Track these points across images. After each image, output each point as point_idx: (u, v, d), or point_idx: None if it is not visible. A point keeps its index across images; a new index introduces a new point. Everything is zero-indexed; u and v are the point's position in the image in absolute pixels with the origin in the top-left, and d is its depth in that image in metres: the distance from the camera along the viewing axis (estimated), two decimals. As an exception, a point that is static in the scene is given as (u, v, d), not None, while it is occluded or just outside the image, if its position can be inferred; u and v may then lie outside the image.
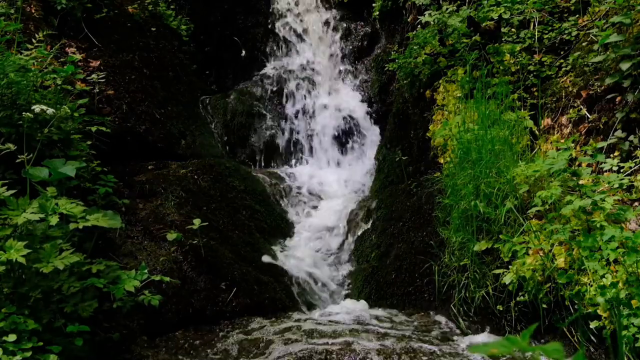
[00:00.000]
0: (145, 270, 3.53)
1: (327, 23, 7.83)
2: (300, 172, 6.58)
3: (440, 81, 5.10)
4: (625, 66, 3.76)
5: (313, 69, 7.43)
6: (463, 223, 4.06)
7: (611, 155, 3.70)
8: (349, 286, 5.14)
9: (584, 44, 4.44)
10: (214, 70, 7.57)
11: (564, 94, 4.35)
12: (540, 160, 3.81)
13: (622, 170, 3.59)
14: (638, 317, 2.90)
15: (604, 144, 3.77)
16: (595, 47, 4.15)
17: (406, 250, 4.72)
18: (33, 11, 5.24)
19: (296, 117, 7.02)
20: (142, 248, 4.35)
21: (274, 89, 7.17)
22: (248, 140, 6.82)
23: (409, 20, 6.58)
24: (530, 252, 3.59)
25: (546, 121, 4.39)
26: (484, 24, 4.95)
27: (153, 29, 6.43)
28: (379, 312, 4.47)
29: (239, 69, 7.62)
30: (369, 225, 5.35)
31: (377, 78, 7.18)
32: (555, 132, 4.28)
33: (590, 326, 3.14)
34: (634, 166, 3.58)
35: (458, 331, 4.01)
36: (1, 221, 3.13)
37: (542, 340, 3.56)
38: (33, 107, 3.52)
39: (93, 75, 5.10)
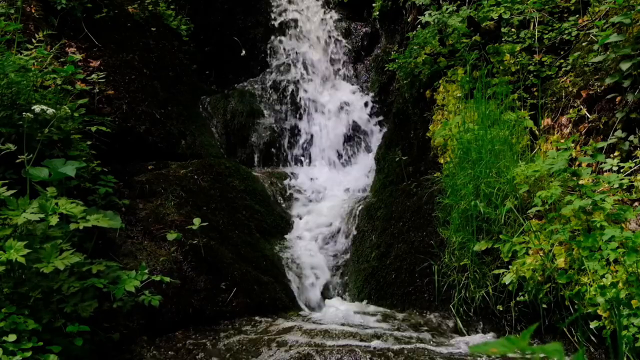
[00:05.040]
0: (146, 271, 3.53)
1: (327, 23, 7.84)
2: (300, 171, 6.58)
3: (440, 81, 5.10)
4: (625, 66, 3.76)
5: (313, 69, 7.43)
6: (463, 223, 4.06)
7: (611, 155, 3.70)
8: (349, 286, 5.14)
9: (584, 44, 4.44)
10: (214, 70, 7.57)
11: (564, 94, 4.35)
12: (540, 160, 3.81)
13: (622, 170, 3.59)
14: (638, 317, 2.90)
15: (604, 144, 3.77)
16: (595, 47, 4.14)
17: (406, 250, 4.72)
18: (33, 11, 5.24)
19: (296, 117, 7.02)
20: (142, 248, 4.34)
21: (274, 88, 7.18)
22: (248, 140, 6.82)
23: (409, 20, 6.59)
24: (530, 252, 3.59)
25: (546, 121, 4.39)
26: (484, 24, 4.95)
27: (153, 29, 6.43)
28: (379, 311, 4.47)
29: (239, 69, 7.62)
30: (369, 225, 5.35)
31: (377, 78, 7.19)
32: (555, 132, 4.28)
33: (590, 326, 3.14)
34: (634, 166, 3.58)
35: (458, 331, 4.01)
36: (1, 221, 3.13)
37: (542, 341, 3.56)
38: (33, 107, 3.52)
39: (93, 75, 5.10)
